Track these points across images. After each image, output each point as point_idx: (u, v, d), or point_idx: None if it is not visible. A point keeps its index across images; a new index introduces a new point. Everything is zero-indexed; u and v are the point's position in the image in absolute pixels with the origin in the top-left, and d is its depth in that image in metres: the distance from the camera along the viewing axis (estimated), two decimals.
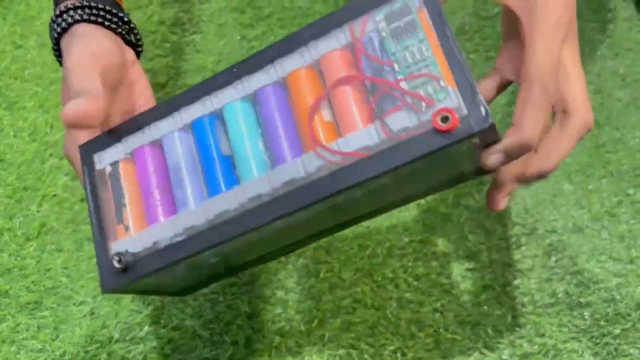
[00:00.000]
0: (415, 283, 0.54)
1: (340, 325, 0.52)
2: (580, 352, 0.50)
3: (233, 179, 0.34)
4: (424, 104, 0.30)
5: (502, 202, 0.40)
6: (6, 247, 0.56)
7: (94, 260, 0.55)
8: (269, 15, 0.75)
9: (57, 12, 0.43)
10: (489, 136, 0.32)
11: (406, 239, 0.56)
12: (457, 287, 0.54)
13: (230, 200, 0.33)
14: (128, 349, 0.50)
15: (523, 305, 0.53)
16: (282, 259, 0.55)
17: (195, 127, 0.35)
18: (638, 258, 0.55)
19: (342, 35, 0.33)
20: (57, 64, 0.45)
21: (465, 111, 0.29)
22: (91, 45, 0.40)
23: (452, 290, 0.54)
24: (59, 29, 0.42)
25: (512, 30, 0.40)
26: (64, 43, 0.43)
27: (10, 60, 0.70)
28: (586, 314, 0.52)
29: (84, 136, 0.39)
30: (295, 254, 0.56)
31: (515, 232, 0.57)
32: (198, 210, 0.34)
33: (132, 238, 0.35)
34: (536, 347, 0.50)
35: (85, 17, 0.42)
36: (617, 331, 0.51)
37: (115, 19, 0.44)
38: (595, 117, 0.65)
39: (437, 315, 0.52)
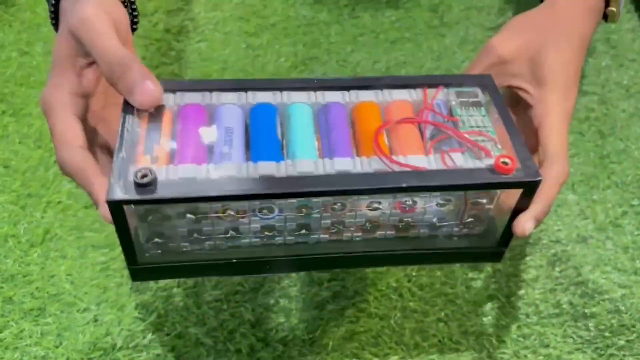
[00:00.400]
0: (420, 293, 0.54)
1: (344, 334, 0.52)
2: None
3: (280, 156, 0.36)
4: (483, 154, 0.36)
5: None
6: (10, 254, 0.56)
7: (98, 267, 0.55)
8: (273, 24, 0.75)
9: None
10: (530, 193, 0.37)
11: None
12: (461, 297, 0.53)
13: (278, 168, 0.35)
14: (131, 357, 0.50)
15: (527, 315, 0.53)
16: None
17: (259, 109, 0.38)
18: None
19: (414, 94, 0.40)
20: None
21: (519, 166, 0.35)
22: (104, 2, 0.38)
23: (456, 300, 0.53)
24: None
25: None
26: (65, 4, 0.40)
27: (16, 67, 0.70)
28: (591, 324, 0.52)
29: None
30: None
31: (519, 243, 0.57)
32: (243, 165, 0.35)
33: (157, 169, 0.33)
34: (541, 357, 0.50)
35: None
36: (622, 342, 0.51)
37: None
38: (599, 127, 0.65)
39: (441, 325, 0.52)
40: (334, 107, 0.39)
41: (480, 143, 0.37)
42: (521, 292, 0.54)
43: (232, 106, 0.38)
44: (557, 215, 0.59)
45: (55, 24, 0.42)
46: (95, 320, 0.52)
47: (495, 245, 0.40)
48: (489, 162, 0.36)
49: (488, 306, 0.53)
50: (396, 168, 0.35)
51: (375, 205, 0.37)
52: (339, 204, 0.37)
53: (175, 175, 0.34)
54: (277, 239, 0.38)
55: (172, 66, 0.70)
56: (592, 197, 0.60)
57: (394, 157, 0.36)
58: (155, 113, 0.37)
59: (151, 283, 0.54)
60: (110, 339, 0.51)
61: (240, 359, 0.50)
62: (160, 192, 0.32)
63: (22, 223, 0.58)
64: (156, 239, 0.36)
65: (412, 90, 0.40)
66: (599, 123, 0.66)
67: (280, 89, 0.39)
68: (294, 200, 0.36)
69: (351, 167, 0.35)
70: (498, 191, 0.38)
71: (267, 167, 0.35)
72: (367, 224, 0.38)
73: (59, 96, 0.37)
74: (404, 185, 0.34)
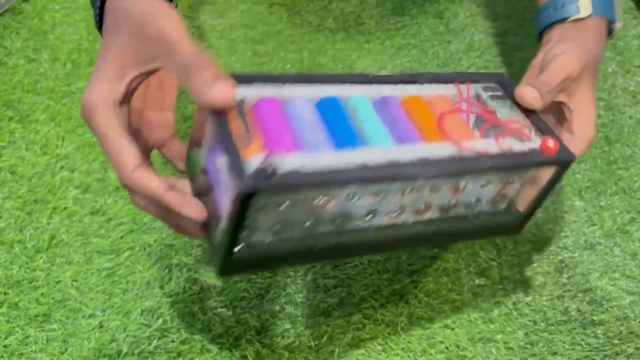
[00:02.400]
0: (426, 299, 0.53)
1: (350, 341, 0.51)
2: None
3: (361, 143, 0.38)
4: (525, 137, 0.41)
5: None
6: (16, 259, 0.56)
7: (104, 273, 0.55)
8: (279, 31, 0.75)
9: None
10: (564, 170, 0.43)
11: (417, 255, 0.56)
12: (468, 304, 0.53)
13: (383, 153, 0.37)
14: None
15: (535, 322, 0.52)
16: (291, 272, 0.55)
17: (326, 103, 0.40)
18: None
19: (449, 88, 0.44)
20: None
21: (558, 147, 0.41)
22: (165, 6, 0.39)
23: (463, 306, 0.53)
24: None
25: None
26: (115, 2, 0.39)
27: (23, 74, 0.71)
28: (599, 332, 0.52)
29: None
30: (303, 268, 0.55)
31: (526, 249, 0.57)
32: (354, 151, 0.37)
33: (269, 161, 0.34)
34: None
35: None
36: (631, 350, 0.51)
37: None
38: (606, 134, 0.65)
39: (448, 331, 0.52)
40: (390, 100, 0.42)
41: (522, 129, 0.42)
42: (528, 298, 0.53)
43: (303, 99, 0.39)
44: (565, 221, 0.58)
45: (100, 27, 0.42)
46: (101, 327, 0.52)
47: (517, 220, 0.45)
48: (532, 145, 0.41)
49: (495, 313, 0.53)
50: (466, 153, 0.39)
51: (462, 184, 0.41)
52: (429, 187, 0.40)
53: (289, 166, 0.34)
54: (351, 224, 0.40)
55: None
56: (599, 204, 0.60)
57: (463, 142, 0.40)
58: (238, 109, 0.36)
59: (156, 289, 0.54)
60: (116, 345, 0.51)
61: None
62: (286, 180, 0.33)
63: (28, 229, 0.58)
64: (276, 227, 0.37)
65: (448, 86, 0.44)
66: (606, 129, 0.66)
67: (342, 83, 0.41)
68: (394, 185, 0.38)
69: (428, 154, 0.38)
70: (530, 171, 0.43)
71: (371, 154, 0.37)
72: (423, 205, 0.41)
73: (106, 111, 0.38)
74: (488, 165, 0.40)
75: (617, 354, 0.50)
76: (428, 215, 0.42)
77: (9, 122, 0.66)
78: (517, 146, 0.41)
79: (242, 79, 0.38)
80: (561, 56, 0.48)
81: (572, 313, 0.53)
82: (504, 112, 0.43)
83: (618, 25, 0.52)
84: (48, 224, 0.58)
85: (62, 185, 0.61)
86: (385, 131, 0.40)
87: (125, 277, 0.55)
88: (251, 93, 0.38)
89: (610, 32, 0.52)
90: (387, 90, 0.42)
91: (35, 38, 0.74)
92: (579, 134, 0.48)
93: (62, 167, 0.63)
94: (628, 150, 0.64)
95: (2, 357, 0.50)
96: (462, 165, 0.39)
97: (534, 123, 0.43)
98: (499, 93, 0.45)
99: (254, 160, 0.33)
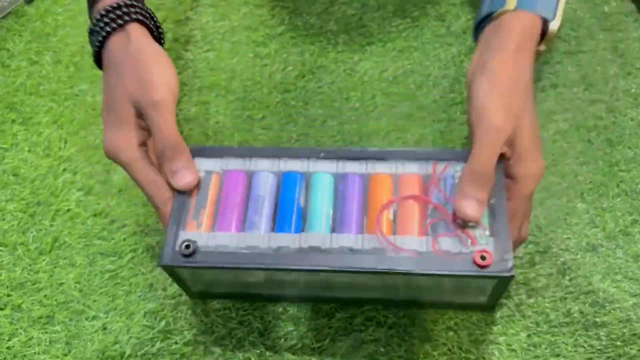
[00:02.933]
0: None
1: (353, 343, 0.51)
2: None
3: (300, 226, 0.43)
4: (469, 241, 0.41)
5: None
6: (19, 262, 0.56)
7: (107, 275, 0.55)
8: (281, 33, 0.75)
9: (103, 11, 0.47)
10: (508, 283, 0.42)
11: None
12: None
13: (293, 240, 0.42)
14: None
15: (537, 324, 0.52)
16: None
17: (288, 177, 0.45)
18: None
19: (425, 167, 0.44)
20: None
21: (497, 259, 0.40)
22: (167, 73, 0.46)
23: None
24: (109, 27, 0.46)
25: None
26: (116, 41, 0.46)
27: (26, 76, 0.71)
28: (602, 334, 0.52)
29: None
30: None
31: (528, 251, 0.57)
32: (265, 237, 0.43)
33: (200, 234, 0.43)
34: None
35: (136, 16, 0.47)
36: (634, 352, 0.51)
37: (153, 22, 0.50)
38: (608, 136, 0.65)
39: (451, 333, 0.52)
40: (350, 178, 0.45)
41: (470, 230, 0.41)
42: (531, 300, 0.54)
43: (266, 174, 0.45)
44: (567, 223, 0.58)
45: (98, 61, 0.49)
46: (104, 329, 0.52)
47: (486, 303, 0.47)
48: (473, 250, 0.41)
49: (498, 315, 0.53)
50: (390, 249, 0.41)
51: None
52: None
53: (214, 243, 0.42)
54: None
55: (180, 75, 0.71)
56: (601, 206, 0.60)
57: (391, 237, 0.41)
58: (205, 180, 0.45)
59: (159, 291, 0.54)
60: (119, 347, 0.51)
61: None
62: (201, 260, 0.42)
63: (31, 231, 0.58)
64: (200, 281, 0.47)
65: (423, 163, 0.45)
66: (608, 131, 0.66)
67: (308, 158, 0.46)
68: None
69: (353, 244, 0.42)
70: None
71: (286, 240, 0.42)
72: (374, 280, 0.44)
73: (133, 152, 0.45)
74: (392, 270, 0.40)
75: (620, 356, 0.50)
76: (386, 283, 0.45)
77: (11, 125, 0.66)
78: (456, 249, 0.41)
79: (215, 152, 0.46)
80: (482, 149, 0.42)
81: (575, 315, 0.53)
82: None
83: (554, 24, 0.46)
84: (51, 226, 0.59)
85: (65, 187, 0.61)
86: (329, 213, 0.44)
87: (128, 279, 0.55)
88: (222, 165, 0.46)
89: (544, 32, 0.47)
90: (355, 167, 0.45)
91: (38, 40, 0.74)
92: (522, 174, 0.44)
93: (64, 170, 0.63)
94: (630, 152, 0.64)
95: (5, 359, 0.50)
96: (374, 264, 0.41)
97: (499, 226, 0.41)
98: None
99: (186, 236, 0.42)
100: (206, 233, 0.43)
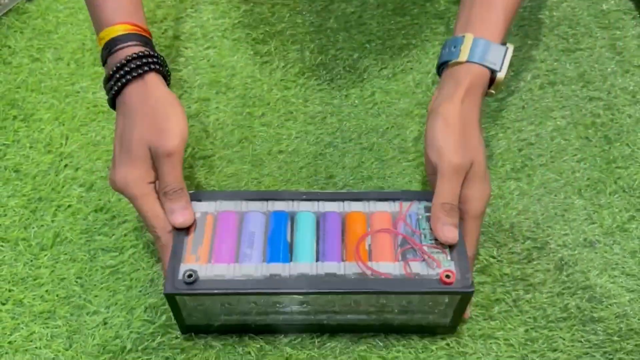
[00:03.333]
0: None
1: (352, 337, 0.52)
2: None
3: (288, 258, 0.48)
4: (435, 264, 0.47)
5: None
6: (21, 257, 0.56)
7: (108, 270, 0.56)
8: (281, 31, 0.76)
9: (124, 60, 0.50)
10: (469, 299, 0.48)
11: None
12: None
13: (284, 269, 0.47)
14: None
15: (535, 319, 0.53)
16: None
17: (275, 216, 0.50)
18: None
19: (393, 206, 0.51)
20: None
21: (459, 277, 0.46)
22: (181, 121, 0.50)
23: None
24: (129, 76, 0.50)
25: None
26: (134, 89, 0.50)
27: (27, 73, 0.71)
28: (599, 329, 0.52)
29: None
30: None
31: (526, 247, 0.57)
32: (259, 266, 0.47)
33: (199, 266, 0.47)
34: None
35: (155, 66, 0.51)
36: (630, 347, 0.51)
37: (166, 70, 0.54)
38: (605, 133, 0.66)
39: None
40: (330, 216, 0.50)
41: (435, 254, 0.47)
42: (528, 296, 0.54)
43: (256, 213, 0.50)
44: (564, 220, 0.59)
45: (113, 104, 0.53)
46: (105, 323, 0.53)
47: (448, 323, 0.50)
48: (439, 271, 0.46)
49: (495, 310, 0.53)
50: (369, 273, 0.46)
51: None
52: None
53: (212, 273, 0.46)
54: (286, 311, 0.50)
55: (181, 72, 0.71)
56: (599, 202, 0.60)
57: (369, 263, 0.47)
58: (201, 220, 0.50)
59: (159, 286, 0.55)
60: (120, 342, 0.51)
61: None
62: (202, 287, 0.46)
63: (33, 227, 0.58)
64: (197, 313, 0.50)
65: (391, 203, 0.51)
66: (605, 128, 0.66)
67: (292, 200, 0.51)
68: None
69: (336, 270, 0.47)
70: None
71: (276, 268, 0.47)
72: (353, 303, 0.49)
73: (143, 187, 0.49)
74: (372, 290, 0.46)
75: (617, 350, 0.51)
76: (362, 309, 0.49)
77: (13, 121, 0.67)
78: (424, 272, 0.47)
79: (209, 196, 0.51)
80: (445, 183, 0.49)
81: (572, 310, 0.53)
82: (431, 235, 0.48)
83: (500, 74, 0.52)
84: (52, 221, 0.59)
85: (66, 183, 0.62)
86: (312, 246, 0.48)
87: (129, 274, 0.55)
88: (215, 207, 0.51)
89: (492, 81, 0.52)
90: (333, 206, 0.51)
91: (39, 38, 0.74)
92: (474, 195, 0.50)
93: (66, 166, 0.63)
94: (627, 149, 0.64)
95: (7, 353, 0.51)
96: (356, 285, 0.46)
97: (458, 250, 0.48)
98: None
99: (187, 267, 0.46)
100: (204, 265, 0.47)
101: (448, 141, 0.49)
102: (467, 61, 0.52)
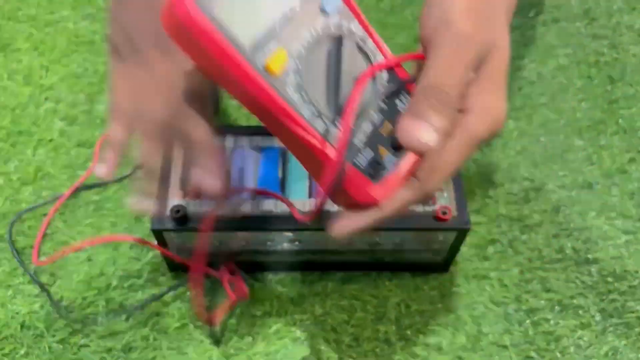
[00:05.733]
0: None
1: (343, 275, 0.51)
2: (587, 308, 0.49)
3: (278, 192, 0.46)
4: (430, 200, 0.45)
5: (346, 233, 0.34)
6: (2, 192, 0.54)
7: (91, 207, 0.54)
8: None
9: None
10: (464, 236, 0.46)
11: None
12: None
13: (274, 205, 0.45)
14: (126, 296, 0.49)
15: (530, 260, 0.52)
16: None
17: (266, 152, 0.48)
18: None
19: None
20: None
21: (456, 213, 0.45)
22: None
23: None
24: None
25: None
26: None
27: (3, 0, 0.67)
28: (593, 270, 0.51)
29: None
30: None
31: (524, 187, 0.56)
32: (249, 203, 0.45)
33: (187, 202, 0.45)
34: (542, 302, 0.50)
35: None
36: (624, 288, 0.50)
37: None
38: (609, 72, 0.63)
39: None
40: None
41: None
42: (524, 237, 0.53)
43: (246, 149, 0.48)
44: (563, 160, 0.57)
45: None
46: (89, 260, 0.51)
47: (442, 261, 0.49)
48: (434, 207, 0.45)
49: (490, 250, 0.52)
50: None
51: None
52: None
53: (201, 209, 0.45)
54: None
55: None
56: (599, 143, 0.58)
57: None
58: None
59: (146, 223, 0.53)
60: (105, 279, 0.50)
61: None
62: (190, 224, 0.44)
63: (13, 161, 0.56)
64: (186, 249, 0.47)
65: None
66: (609, 67, 0.64)
67: None
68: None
69: (329, 207, 0.42)
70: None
71: (267, 205, 0.45)
72: (346, 241, 0.47)
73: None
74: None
75: (610, 291, 0.50)
76: (355, 247, 0.48)
77: None
78: (419, 208, 0.44)
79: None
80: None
81: (567, 251, 0.52)
82: None
83: None
84: (33, 156, 0.57)
85: (47, 117, 0.59)
86: (305, 183, 0.46)
87: (113, 210, 0.54)
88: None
89: None
90: None
91: None
92: (479, 106, 0.32)
93: (46, 99, 0.60)
94: (631, 89, 0.62)
95: None
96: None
97: (455, 186, 0.45)
98: None
99: (175, 202, 0.45)
100: (193, 201, 0.45)
101: (459, 5, 0.32)
102: None
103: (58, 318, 0.48)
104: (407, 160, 0.33)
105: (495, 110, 0.33)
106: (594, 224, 0.54)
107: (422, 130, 0.30)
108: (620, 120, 0.60)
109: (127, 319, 0.48)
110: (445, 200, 0.45)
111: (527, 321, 0.49)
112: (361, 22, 0.33)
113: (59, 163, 0.56)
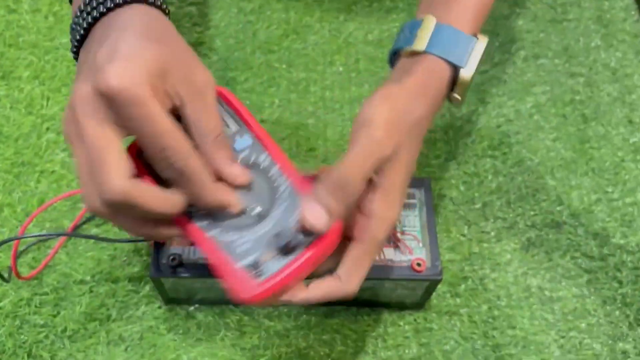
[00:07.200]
0: None
1: (325, 310, 0.55)
2: (547, 344, 0.54)
3: None
4: (407, 251, 0.49)
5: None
6: (6, 223, 0.58)
7: (92, 240, 0.57)
8: None
9: None
10: (437, 284, 0.50)
11: None
12: None
13: None
14: (125, 328, 0.53)
15: (498, 297, 0.56)
16: None
17: None
18: (609, 255, 0.58)
19: None
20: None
21: (429, 265, 0.49)
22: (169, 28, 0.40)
23: None
24: (103, 7, 0.38)
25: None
26: (121, 13, 0.38)
27: (4, 26, 0.69)
28: (556, 308, 0.56)
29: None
30: None
31: (496, 226, 0.60)
32: None
33: (182, 249, 0.48)
34: (507, 338, 0.54)
35: None
36: (583, 326, 0.55)
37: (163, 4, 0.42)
38: (583, 111, 0.67)
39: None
40: None
41: (408, 242, 0.49)
42: (494, 274, 0.57)
43: None
44: (535, 200, 0.61)
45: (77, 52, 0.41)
46: (91, 292, 0.55)
47: (417, 301, 0.53)
48: (410, 257, 0.48)
49: (462, 287, 0.56)
50: None
51: None
52: None
53: (195, 256, 0.48)
54: None
55: None
56: (569, 183, 0.62)
57: None
58: None
59: (144, 257, 0.57)
60: (105, 310, 0.54)
61: (228, 331, 0.54)
62: (185, 271, 0.47)
63: (17, 192, 0.59)
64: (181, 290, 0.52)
65: None
66: (583, 106, 0.67)
67: None
68: None
69: None
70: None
71: None
72: None
73: (151, 90, 0.36)
74: None
75: (570, 329, 0.55)
76: None
77: None
78: (397, 258, 0.48)
79: None
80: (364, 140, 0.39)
81: (534, 290, 0.57)
82: (405, 222, 0.50)
83: (464, 72, 0.42)
84: (36, 187, 0.60)
85: (49, 147, 0.62)
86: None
87: (113, 244, 0.57)
88: None
89: (455, 79, 0.43)
90: None
91: None
92: (379, 214, 0.40)
93: (47, 129, 0.63)
94: (602, 129, 0.66)
95: None
96: None
97: (430, 238, 0.49)
98: (413, 200, 0.51)
99: (170, 251, 0.48)
100: (187, 248, 0.48)
101: (380, 114, 0.39)
102: (425, 51, 0.42)
103: (62, 348, 0.52)
104: (294, 263, 0.39)
105: (391, 218, 0.41)
106: (559, 263, 0.58)
107: (317, 212, 0.38)
108: (590, 161, 0.64)
109: (125, 350, 0.52)
110: (420, 251, 0.49)
111: (492, 357, 0.53)
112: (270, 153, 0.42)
113: (61, 195, 0.59)
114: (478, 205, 0.61)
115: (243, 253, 0.39)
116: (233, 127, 0.43)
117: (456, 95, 0.44)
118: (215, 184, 0.39)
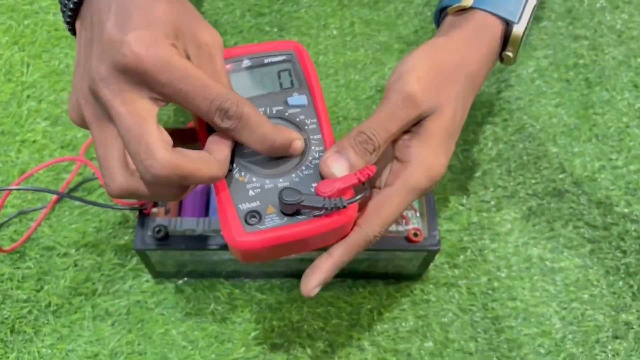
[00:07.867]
0: None
1: None
2: (548, 316, 0.52)
3: None
4: (404, 220, 0.47)
5: (316, 289, 0.38)
6: None
7: (76, 211, 0.55)
8: None
9: None
10: (435, 254, 0.48)
11: None
12: None
13: None
14: (112, 303, 0.51)
15: (498, 268, 0.54)
16: None
17: None
18: (612, 224, 0.56)
19: None
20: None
21: (427, 235, 0.47)
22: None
23: None
24: None
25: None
26: None
27: None
28: (558, 279, 0.54)
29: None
30: None
31: (496, 195, 0.58)
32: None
33: (169, 220, 0.47)
34: (507, 310, 0.52)
35: None
36: (586, 297, 0.53)
37: None
38: (587, 75, 0.64)
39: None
40: None
41: (407, 212, 0.47)
42: (494, 245, 0.55)
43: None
44: (536, 167, 0.59)
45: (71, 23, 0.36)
46: (75, 265, 0.53)
47: (414, 272, 0.52)
48: (407, 228, 0.47)
49: (461, 258, 0.54)
50: None
51: None
52: None
53: (181, 227, 0.47)
54: None
55: None
56: (572, 150, 0.60)
57: None
58: None
59: (130, 228, 0.54)
60: (91, 285, 0.52)
61: (218, 305, 0.52)
62: (171, 244, 0.46)
63: None
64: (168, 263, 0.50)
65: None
66: (587, 71, 0.65)
67: None
68: None
69: None
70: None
71: None
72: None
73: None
74: None
75: (572, 300, 0.53)
76: None
77: None
78: (393, 228, 0.47)
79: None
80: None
81: (535, 260, 0.55)
82: None
83: (517, 28, 0.41)
84: (17, 157, 0.57)
85: (30, 116, 0.59)
86: None
87: (98, 215, 0.55)
88: None
89: (507, 36, 0.41)
90: None
91: None
92: (415, 159, 0.38)
93: (28, 97, 0.61)
94: (606, 94, 0.63)
95: None
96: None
97: (427, 208, 0.48)
98: None
99: (156, 222, 0.47)
100: (174, 219, 0.47)
101: (416, 68, 0.38)
102: (473, 7, 0.41)
103: (46, 323, 0.50)
104: (291, 228, 0.36)
105: (431, 165, 0.38)
106: (561, 233, 0.56)
107: (336, 162, 0.36)
108: (594, 127, 0.61)
109: (112, 325, 0.51)
110: (417, 221, 0.47)
111: (492, 329, 0.52)
112: (320, 120, 0.39)
113: (43, 164, 0.57)
114: (477, 174, 0.58)
115: (248, 198, 0.36)
116: (296, 82, 0.40)
117: (509, 53, 0.42)
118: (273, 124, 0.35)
